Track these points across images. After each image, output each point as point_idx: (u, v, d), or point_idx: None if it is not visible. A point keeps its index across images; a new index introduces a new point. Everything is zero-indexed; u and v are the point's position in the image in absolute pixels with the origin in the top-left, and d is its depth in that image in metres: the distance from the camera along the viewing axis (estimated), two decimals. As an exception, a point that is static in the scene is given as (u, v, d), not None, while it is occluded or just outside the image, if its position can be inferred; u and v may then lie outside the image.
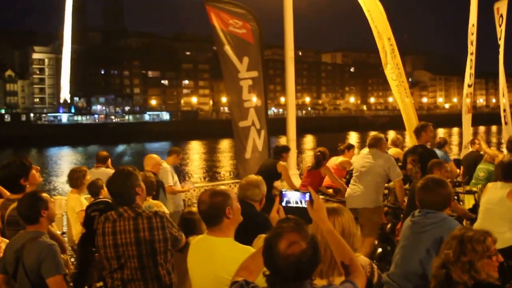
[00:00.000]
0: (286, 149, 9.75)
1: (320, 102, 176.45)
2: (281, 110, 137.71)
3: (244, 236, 3.99)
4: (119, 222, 4.31)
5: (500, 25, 16.07)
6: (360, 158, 8.80)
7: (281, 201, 3.52)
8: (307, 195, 3.43)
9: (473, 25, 15.02)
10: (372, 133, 9.44)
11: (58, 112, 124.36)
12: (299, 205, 3.46)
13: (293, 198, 3.51)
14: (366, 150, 8.82)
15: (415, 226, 4.76)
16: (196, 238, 4.05)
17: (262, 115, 10.34)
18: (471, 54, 15.06)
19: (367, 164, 8.53)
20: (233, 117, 10.51)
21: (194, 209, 5.52)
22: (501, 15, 15.98)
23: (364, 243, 8.31)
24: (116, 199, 4.49)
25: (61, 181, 41.63)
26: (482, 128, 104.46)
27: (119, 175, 4.49)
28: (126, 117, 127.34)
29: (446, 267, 3.67)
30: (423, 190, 4.79)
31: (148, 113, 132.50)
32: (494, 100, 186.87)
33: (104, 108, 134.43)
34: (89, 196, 8.07)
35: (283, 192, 3.57)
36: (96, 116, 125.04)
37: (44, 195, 4.79)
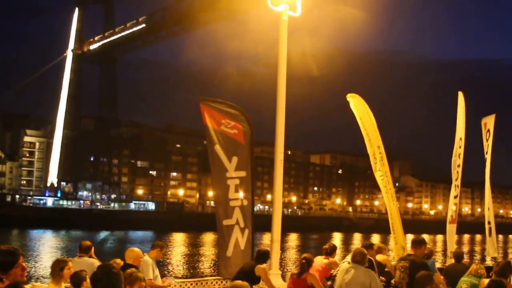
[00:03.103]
0: (267, 256, 9.82)
1: (306, 201, 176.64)
2: (267, 207, 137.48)
3: None
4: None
5: (487, 140, 16.33)
6: (341, 272, 8.75)
7: None
8: None
9: (460, 138, 15.33)
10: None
11: (44, 195, 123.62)
12: None
13: None
14: (347, 264, 8.80)
15: None
16: None
17: (247, 214, 10.35)
18: (458, 166, 15.28)
19: (347, 279, 8.49)
20: (218, 215, 10.51)
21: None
22: (488, 130, 16.26)
23: None
24: None
25: (40, 266, 40.78)
26: (466, 237, 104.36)
27: (105, 273, 4.50)
28: (112, 204, 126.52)
29: None
30: None
31: (134, 202, 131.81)
32: (479, 209, 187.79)
33: (90, 194, 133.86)
34: (69, 285, 7.96)
35: None
36: (81, 201, 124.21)
37: (27, 287, 4.73)
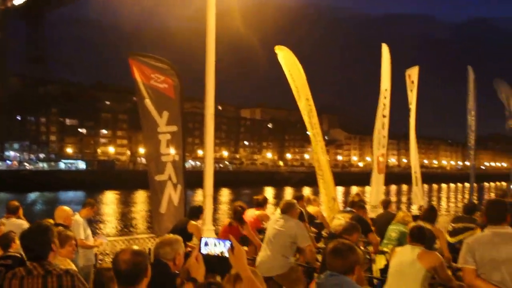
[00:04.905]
0: (200, 211, 9.82)
1: (238, 156, 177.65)
2: (198, 163, 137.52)
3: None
4: (27, 280, 4.14)
5: (411, 91, 16.83)
6: (272, 223, 8.91)
7: (201, 248, 3.48)
8: (228, 243, 3.42)
9: (385, 89, 15.68)
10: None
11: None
12: (218, 249, 3.43)
13: (213, 244, 3.48)
14: (278, 214, 8.95)
15: None
16: None
17: (179, 169, 10.28)
18: (384, 117, 15.65)
19: (277, 229, 8.63)
20: (150, 170, 10.40)
21: (108, 265, 5.39)
22: (412, 81, 16.76)
23: None
24: (28, 254, 4.35)
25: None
26: (393, 187, 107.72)
27: (36, 229, 4.38)
28: (41, 164, 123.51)
29: None
30: (333, 254, 4.92)
31: (63, 161, 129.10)
32: (405, 160, 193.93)
33: (18, 154, 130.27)
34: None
35: (203, 239, 3.54)
36: (9, 162, 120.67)
37: None
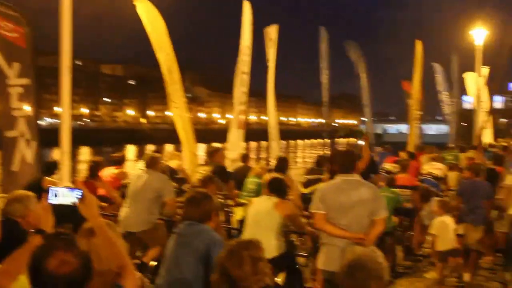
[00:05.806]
0: (55, 166, 9.53)
1: (98, 113, 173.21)
2: (58, 121, 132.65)
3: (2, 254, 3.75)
4: None
5: (269, 48, 17.17)
6: (135, 178, 8.87)
7: (49, 198, 3.32)
8: (78, 191, 3.29)
9: (246, 46, 15.89)
10: (148, 148, 9.60)
11: None
12: (69, 199, 3.28)
13: (62, 194, 3.35)
14: (141, 169, 8.93)
15: (178, 238, 4.97)
16: None
17: (33, 125, 9.81)
18: (244, 73, 15.88)
19: (142, 184, 8.60)
20: (0, 126, 9.85)
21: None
22: (271, 39, 17.09)
23: (151, 251, 8.35)
24: None
25: None
26: (253, 144, 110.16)
27: None
28: None
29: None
30: (189, 203, 5.02)
31: None
32: (265, 118, 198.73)
33: None
34: None
35: (51, 189, 3.38)
36: None
37: None
